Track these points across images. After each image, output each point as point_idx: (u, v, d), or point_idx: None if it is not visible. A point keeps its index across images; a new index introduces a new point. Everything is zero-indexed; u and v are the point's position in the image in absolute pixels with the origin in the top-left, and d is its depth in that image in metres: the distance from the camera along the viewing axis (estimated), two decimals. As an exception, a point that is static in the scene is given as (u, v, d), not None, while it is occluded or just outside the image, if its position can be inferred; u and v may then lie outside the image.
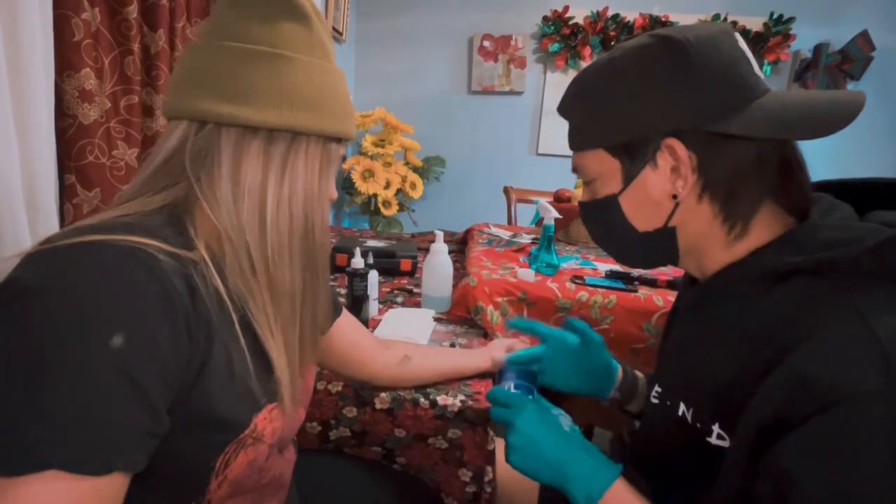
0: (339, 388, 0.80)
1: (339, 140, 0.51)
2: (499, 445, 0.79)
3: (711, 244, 0.51)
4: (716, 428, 0.48)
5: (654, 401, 0.60)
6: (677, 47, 0.47)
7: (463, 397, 0.81)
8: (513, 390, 0.67)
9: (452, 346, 0.97)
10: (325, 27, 0.50)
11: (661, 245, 0.54)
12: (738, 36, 0.49)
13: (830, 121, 0.44)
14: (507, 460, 0.58)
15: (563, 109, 0.57)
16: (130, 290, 0.37)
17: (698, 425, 0.51)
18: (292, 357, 0.51)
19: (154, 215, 0.44)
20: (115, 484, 0.36)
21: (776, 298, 0.46)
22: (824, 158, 2.53)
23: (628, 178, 0.52)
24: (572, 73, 2.57)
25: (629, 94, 0.49)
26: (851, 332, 0.39)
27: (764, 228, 0.49)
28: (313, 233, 0.49)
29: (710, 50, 0.47)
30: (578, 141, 0.55)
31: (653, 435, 0.62)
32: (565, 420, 0.59)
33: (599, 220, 0.57)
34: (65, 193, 0.93)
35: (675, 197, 0.50)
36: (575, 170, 0.58)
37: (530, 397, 0.63)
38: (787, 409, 0.39)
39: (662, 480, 0.56)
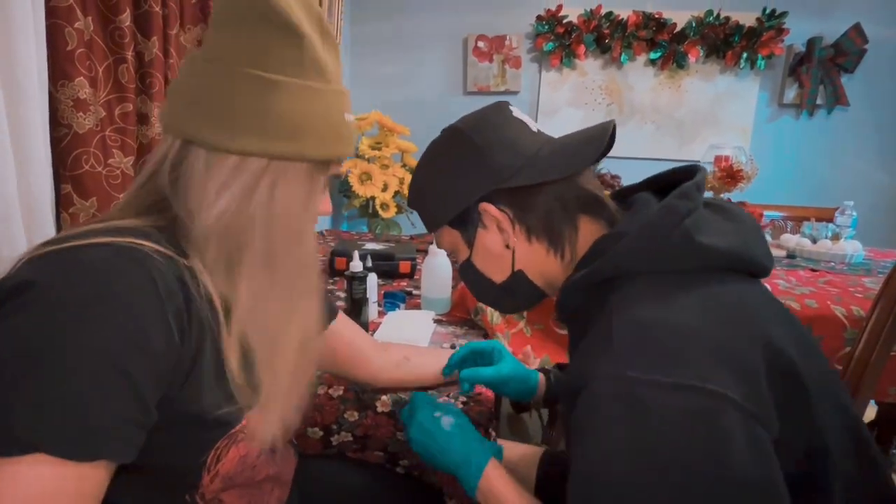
0: (340, 393, 0.80)
1: (326, 162, 0.49)
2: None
3: (555, 272, 0.59)
4: None
5: None
6: (459, 134, 0.59)
7: (464, 398, 0.81)
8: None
9: (453, 347, 0.97)
10: (327, 42, 0.48)
11: (521, 288, 0.61)
12: (511, 107, 0.61)
13: (581, 156, 0.55)
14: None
15: (410, 203, 0.66)
16: (126, 286, 0.38)
17: None
18: (274, 398, 0.50)
19: (144, 224, 0.45)
20: (100, 472, 0.37)
21: (588, 309, 0.53)
22: (822, 151, 2.54)
23: (470, 243, 0.61)
24: (567, 72, 2.57)
25: (443, 178, 0.60)
26: (600, 331, 0.47)
27: (585, 247, 0.56)
28: (289, 259, 0.48)
29: (484, 128, 0.58)
30: (427, 223, 0.64)
31: None
32: (447, 419, 0.66)
33: (469, 282, 0.65)
34: (61, 203, 0.93)
35: (508, 247, 0.58)
36: (439, 245, 0.66)
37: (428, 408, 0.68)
38: (567, 408, 0.46)
39: None
